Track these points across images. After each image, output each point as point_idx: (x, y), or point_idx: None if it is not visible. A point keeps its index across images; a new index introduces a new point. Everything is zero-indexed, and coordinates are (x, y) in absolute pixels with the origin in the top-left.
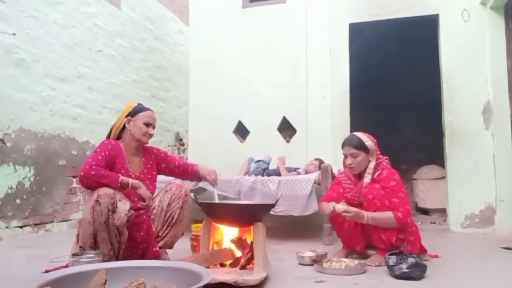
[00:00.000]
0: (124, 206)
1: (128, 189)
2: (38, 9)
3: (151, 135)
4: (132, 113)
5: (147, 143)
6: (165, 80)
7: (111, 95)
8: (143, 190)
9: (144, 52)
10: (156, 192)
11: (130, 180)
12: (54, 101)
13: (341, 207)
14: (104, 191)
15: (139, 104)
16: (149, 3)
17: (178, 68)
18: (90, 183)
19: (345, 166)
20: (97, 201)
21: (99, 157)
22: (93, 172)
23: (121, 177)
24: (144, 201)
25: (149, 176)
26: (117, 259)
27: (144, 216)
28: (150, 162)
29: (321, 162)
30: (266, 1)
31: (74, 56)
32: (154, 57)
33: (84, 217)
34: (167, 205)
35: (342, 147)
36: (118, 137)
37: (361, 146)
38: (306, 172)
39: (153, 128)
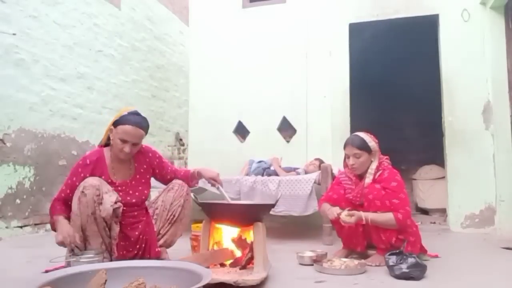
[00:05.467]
0: (110, 198)
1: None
2: (38, 9)
3: (126, 153)
4: (116, 123)
5: (124, 159)
6: (165, 80)
7: (111, 95)
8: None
9: (144, 52)
10: (156, 193)
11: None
12: (54, 101)
13: (344, 217)
14: (90, 182)
15: (130, 114)
16: (149, 3)
17: (178, 68)
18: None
19: (346, 166)
20: (83, 192)
21: (63, 187)
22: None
23: (54, 218)
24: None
25: (143, 181)
26: (110, 255)
27: (141, 217)
28: (144, 166)
29: (321, 162)
30: (266, 1)
31: (74, 56)
32: (154, 57)
33: (73, 209)
34: (169, 204)
35: (345, 147)
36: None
37: (364, 147)
38: (306, 172)
39: (134, 144)
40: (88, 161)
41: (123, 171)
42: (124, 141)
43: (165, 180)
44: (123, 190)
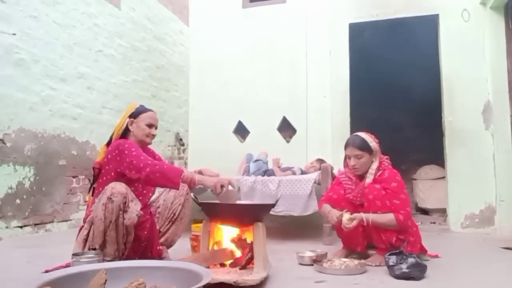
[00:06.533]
0: (135, 207)
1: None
2: (38, 9)
3: (154, 136)
4: (135, 114)
5: (150, 143)
6: (165, 80)
7: (111, 95)
8: (208, 183)
9: (144, 52)
10: (157, 194)
11: (196, 177)
12: (54, 101)
13: (346, 222)
14: (118, 189)
15: (141, 106)
16: (149, 3)
17: (178, 68)
18: (156, 181)
19: (346, 166)
20: (110, 198)
21: (141, 153)
22: (157, 168)
23: (184, 173)
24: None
25: None
26: (120, 260)
27: (147, 216)
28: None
29: (322, 162)
30: (266, 1)
31: (74, 56)
32: (154, 57)
33: (96, 214)
34: (170, 203)
35: (346, 148)
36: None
37: (365, 147)
38: (303, 173)
39: (156, 128)
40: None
41: None
42: (150, 125)
43: None
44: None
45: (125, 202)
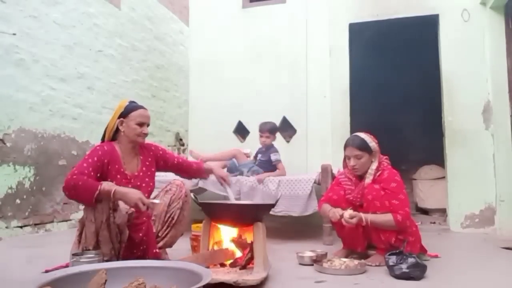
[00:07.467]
0: (125, 205)
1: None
2: (38, 9)
3: (146, 135)
4: (124, 114)
5: (143, 142)
6: (165, 80)
7: (111, 95)
8: (128, 199)
9: (144, 52)
10: (156, 193)
11: (114, 188)
12: (54, 101)
13: (347, 218)
14: (106, 188)
15: (131, 102)
16: (149, 3)
17: (178, 68)
18: (71, 195)
19: (345, 166)
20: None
21: (85, 164)
22: (72, 183)
23: (102, 186)
24: (144, 209)
25: (149, 173)
26: (117, 259)
27: (144, 218)
28: (149, 159)
29: (272, 127)
30: (266, 1)
31: (74, 56)
32: (154, 57)
33: (86, 215)
34: (167, 205)
35: (345, 148)
36: (114, 138)
37: (365, 147)
38: (266, 149)
39: (148, 125)
40: (105, 148)
41: (131, 164)
42: (141, 124)
43: (174, 170)
44: (134, 183)
45: (114, 201)
